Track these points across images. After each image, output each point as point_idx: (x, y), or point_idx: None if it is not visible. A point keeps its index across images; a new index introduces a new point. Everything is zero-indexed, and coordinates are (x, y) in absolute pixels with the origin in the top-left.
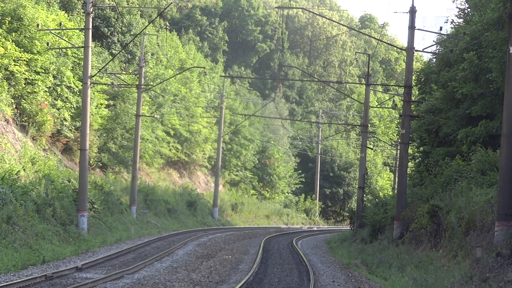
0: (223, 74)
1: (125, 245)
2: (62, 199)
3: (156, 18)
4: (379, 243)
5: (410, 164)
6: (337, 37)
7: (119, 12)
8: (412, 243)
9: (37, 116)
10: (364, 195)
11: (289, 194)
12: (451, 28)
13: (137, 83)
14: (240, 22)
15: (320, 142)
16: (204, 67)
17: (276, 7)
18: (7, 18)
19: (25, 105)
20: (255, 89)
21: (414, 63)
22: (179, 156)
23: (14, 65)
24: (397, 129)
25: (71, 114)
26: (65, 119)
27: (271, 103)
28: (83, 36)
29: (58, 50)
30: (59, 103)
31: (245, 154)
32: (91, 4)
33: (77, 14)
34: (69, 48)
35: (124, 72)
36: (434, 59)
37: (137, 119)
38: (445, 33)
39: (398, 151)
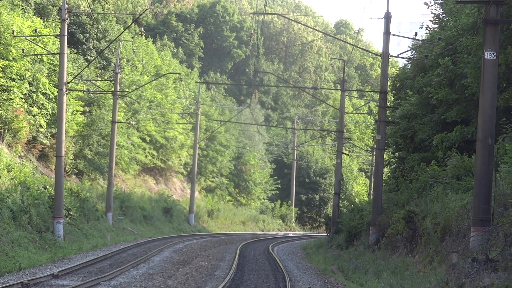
0: (198, 80)
1: (101, 252)
2: (38, 206)
3: (131, 24)
4: (355, 249)
5: (385, 170)
6: (312, 43)
7: (95, 19)
8: (388, 249)
9: (13, 123)
10: (340, 201)
11: (265, 200)
12: (426, 33)
13: (112, 89)
14: (216, 28)
15: (295, 148)
16: (179, 73)
17: (251, 13)
18: None
19: (0, 112)
20: (230, 95)
21: (389, 68)
22: (155, 162)
23: None
24: (372, 134)
25: (47, 120)
26: (40, 126)
27: (247, 109)
28: (58, 43)
29: (33, 56)
30: (35, 109)
31: (221, 160)
32: (66, 10)
33: (53, 20)
34: (45, 54)
35: (100, 79)
36: (409, 65)
37: (112, 125)
38: (420, 39)
39: (374, 156)
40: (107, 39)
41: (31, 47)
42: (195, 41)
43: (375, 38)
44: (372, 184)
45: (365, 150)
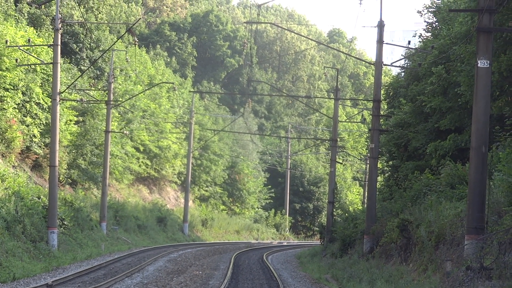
0: (192, 90)
1: (96, 261)
2: (32, 216)
3: (125, 33)
4: (349, 257)
5: (379, 178)
6: (305, 52)
7: (88, 28)
8: (382, 257)
9: (6, 133)
10: (334, 210)
11: (259, 209)
12: (419, 42)
13: (106, 99)
14: (209, 37)
15: (289, 157)
16: (173, 83)
17: (244, 22)
18: None
19: None
20: (224, 105)
21: (382, 77)
22: (148, 172)
23: None
24: (366, 143)
25: (41, 130)
26: (34, 136)
27: (240, 118)
28: (51, 52)
29: (27, 66)
30: (28, 119)
31: (214, 169)
32: (59, 20)
33: (46, 30)
34: (38, 64)
35: (93, 88)
36: (403, 73)
37: (106, 135)
38: (413, 47)
39: (368, 165)
40: (101, 48)
41: (24, 57)
42: (188, 50)
43: (368, 46)
44: (366, 192)
45: (358, 159)
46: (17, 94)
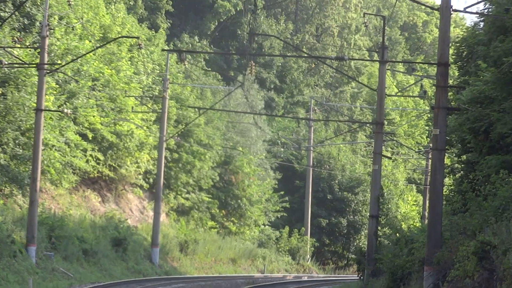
0: (166, 48)
1: None
2: None
3: None
4: None
5: (447, 180)
6: None
7: None
8: None
9: None
10: (379, 228)
11: (266, 227)
12: None
13: (37, 61)
14: None
15: (312, 148)
16: (138, 37)
17: None
18: None
19: None
20: (214, 70)
21: (452, 29)
22: (100, 170)
23: None
24: (427, 128)
25: None
26: None
27: (239, 90)
28: None
29: None
30: None
31: (199, 167)
32: None
33: None
34: None
35: (19, 45)
36: (482, 24)
37: (37, 115)
38: None
39: (430, 161)
40: None
41: None
42: None
43: None
44: (427, 202)
45: (416, 152)
46: None
